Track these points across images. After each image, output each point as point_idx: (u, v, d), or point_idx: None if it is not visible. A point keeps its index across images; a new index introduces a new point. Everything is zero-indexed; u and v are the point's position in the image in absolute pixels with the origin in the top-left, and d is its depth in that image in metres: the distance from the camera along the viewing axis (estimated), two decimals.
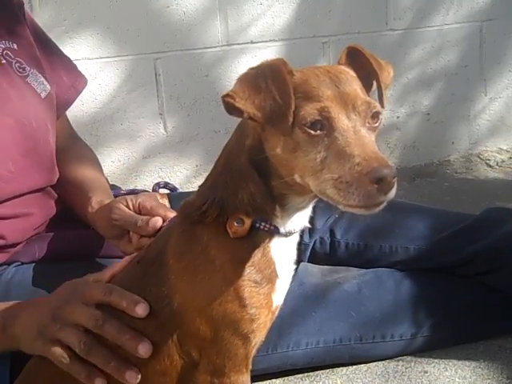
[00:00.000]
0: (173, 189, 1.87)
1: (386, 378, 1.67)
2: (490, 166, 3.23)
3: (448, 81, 3.21)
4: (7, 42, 1.69)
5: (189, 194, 1.30)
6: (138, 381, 1.19)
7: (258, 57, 2.95)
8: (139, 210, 1.48)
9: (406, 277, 1.77)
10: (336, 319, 1.68)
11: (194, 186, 2.90)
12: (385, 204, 1.02)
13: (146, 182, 2.91)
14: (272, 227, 1.17)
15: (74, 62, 2.00)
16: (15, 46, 1.71)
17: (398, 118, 3.16)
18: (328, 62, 3.02)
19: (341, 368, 1.72)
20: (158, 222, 1.40)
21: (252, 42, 2.94)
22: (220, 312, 1.16)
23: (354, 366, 1.72)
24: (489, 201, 2.67)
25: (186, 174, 2.94)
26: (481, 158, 3.28)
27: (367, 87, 1.15)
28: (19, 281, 1.56)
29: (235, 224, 1.15)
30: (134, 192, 1.84)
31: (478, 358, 1.72)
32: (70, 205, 1.74)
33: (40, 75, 1.72)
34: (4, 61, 1.65)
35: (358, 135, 1.03)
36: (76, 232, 1.63)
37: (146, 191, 1.80)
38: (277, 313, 1.24)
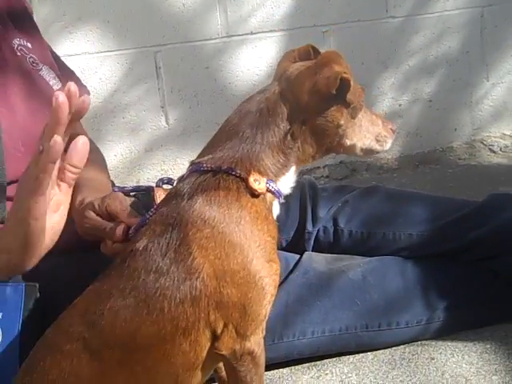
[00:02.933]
0: None
1: (393, 366, 1.67)
2: (494, 152, 3.22)
3: (449, 67, 3.20)
4: (22, 39, 1.73)
5: None
6: None
7: (258, 47, 2.94)
8: (108, 214, 1.47)
9: (410, 264, 1.77)
10: (341, 308, 1.68)
11: None
12: None
13: (148, 175, 2.92)
14: (277, 188, 1.27)
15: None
16: (29, 45, 1.75)
17: (400, 105, 3.16)
18: None
19: (347, 356, 1.72)
20: (121, 230, 1.39)
21: (252, 33, 2.94)
22: (251, 271, 1.19)
23: (361, 354, 1.72)
24: (492, 186, 2.67)
25: None
26: (484, 144, 3.27)
27: None
28: (43, 270, 1.55)
29: (256, 183, 1.23)
30: (139, 188, 1.83)
31: (485, 343, 1.72)
32: None
33: (52, 72, 1.76)
34: (19, 54, 1.69)
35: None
36: None
37: (151, 187, 1.80)
38: None
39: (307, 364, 1.71)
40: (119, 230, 1.39)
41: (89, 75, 2.76)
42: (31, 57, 1.72)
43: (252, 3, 2.91)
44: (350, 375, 1.66)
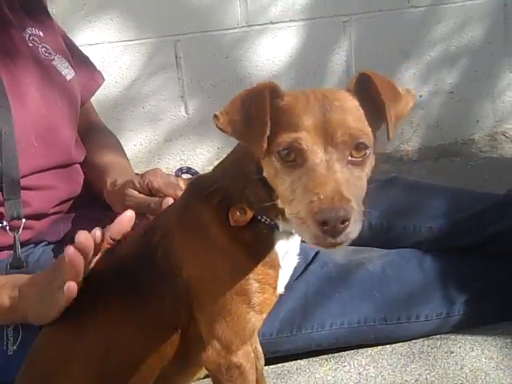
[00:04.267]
0: (195, 173, 1.86)
1: (412, 359, 1.66)
2: None
3: (472, 58, 3.16)
4: (34, 29, 1.75)
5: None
6: None
7: (278, 37, 2.92)
8: (149, 190, 1.49)
9: (429, 257, 1.76)
10: (360, 300, 1.67)
11: None
12: (343, 245, 1.00)
13: (168, 164, 2.92)
14: (273, 223, 1.17)
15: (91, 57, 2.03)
16: (41, 34, 1.76)
17: (420, 96, 3.12)
18: (349, 41, 2.99)
19: (366, 348, 1.72)
20: (169, 202, 1.42)
21: (272, 23, 2.92)
22: (223, 287, 1.17)
23: (379, 347, 1.72)
24: None
25: (208, 157, 2.94)
26: (506, 136, 3.23)
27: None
28: (45, 260, 1.58)
29: (237, 213, 1.16)
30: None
31: (505, 337, 1.70)
32: (91, 187, 1.77)
33: (65, 61, 1.77)
34: (31, 44, 1.70)
35: (329, 170, 1.00)
36: (101, 212, 1.65)
37: (193, 169, 1.80)
38: (276, 300, 1.24)
39: (325, 356, 1.70)
40: (165, 203, 1.41)
41: (109, 64, 2.76)
42: (43, 46, 1.73)
43: None
44: (367, 367, 1.65)
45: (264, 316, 1.22)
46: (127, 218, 1.26)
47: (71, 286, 1.18)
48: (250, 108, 1.05)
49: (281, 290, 1.24)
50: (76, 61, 1.85)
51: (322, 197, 0.97)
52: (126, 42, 2.79)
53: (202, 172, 2.13)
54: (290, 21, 2.94)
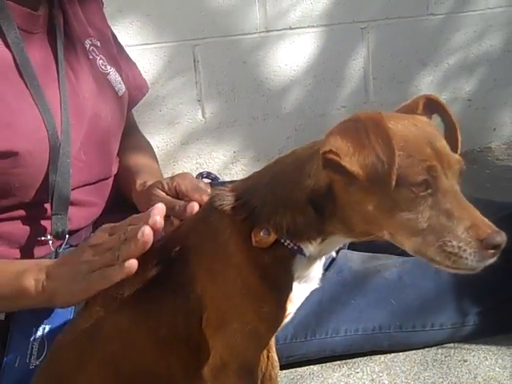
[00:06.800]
0: (215, 178, 1.87)
1: (425, 367, 1.66)
2: None
3: (490, 66, 3.15)
4: (93, 39, 1.75)
5: (230, 183, 1.29)
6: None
7: (296, 43, 2.93)
8: (176, 193, 1.49)
9: None
10: (375, 307, 1.68)
11: (231, 172, 2.92)
12: None
13: (184, 168, 2.93)
14: (296, 247, 1.14)
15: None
16: (98, 44, 1.76)
17: None
18: (367, 47, 2.99)
19: (379, 355, 1.72)
20: (194, 207, 1.41)
21: (291, 28, 2.93)
22: (232, 304, 1.16)
23: (393, 354, 1.72)
24: None
25: (224, 161, 2.95)
26: None
27: None
28: None
29: (261, 234, 1.13)
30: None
31: None
32: (120, 189, 1.79)
33: (118, 74, 1.77)
34: (91, 56, 1.71)
35: (458, 197, 1.01)
36: (126, 216, 1.66)
37: (213, 174, 1.81)
38: (288, 319, 1.23)
39: (338, 362, 1.71)
40: (190, 207, 1.41)
41: None
42: (101, 58, 1.74)
43: None
44: (381, 374, 1.66)
45: (267, 340, 1.22)
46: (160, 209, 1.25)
47: (133, 264, 1.20)
48: (373, 139, 0.97)
49: (291, 310, 1.22)
50: (124, 67, 1.86)
51: (477, 222, 0.99)
52: (144, 46, 2.80)
53: (220, 176, 2.15)
54: (309, 26, 2.95)
